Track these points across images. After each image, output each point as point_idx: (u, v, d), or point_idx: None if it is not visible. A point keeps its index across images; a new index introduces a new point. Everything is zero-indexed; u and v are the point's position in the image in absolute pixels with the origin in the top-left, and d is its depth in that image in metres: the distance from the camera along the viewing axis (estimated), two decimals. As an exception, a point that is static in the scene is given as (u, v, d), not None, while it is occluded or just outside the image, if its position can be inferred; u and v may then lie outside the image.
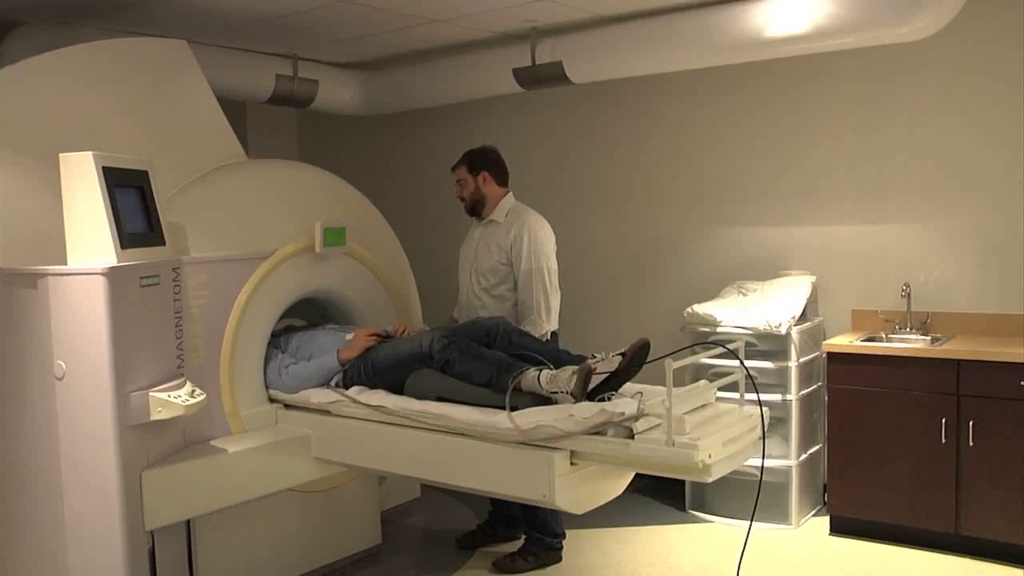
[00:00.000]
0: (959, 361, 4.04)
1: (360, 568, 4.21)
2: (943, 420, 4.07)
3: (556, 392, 3.19)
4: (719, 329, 4.60)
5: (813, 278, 4.83)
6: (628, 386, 3.35)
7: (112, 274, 3.12)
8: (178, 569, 3.50)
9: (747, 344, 4.54)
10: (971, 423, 4.00)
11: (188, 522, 3.53)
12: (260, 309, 3.85)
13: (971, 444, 4.00)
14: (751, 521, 3.32)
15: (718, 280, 5.10)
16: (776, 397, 4.51)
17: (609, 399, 3.17)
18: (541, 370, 3.29)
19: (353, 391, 3.72)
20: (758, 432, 3.18)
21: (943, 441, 4.07)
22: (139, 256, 3.27)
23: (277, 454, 3.70)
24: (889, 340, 4.52)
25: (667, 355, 2.93)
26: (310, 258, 4.04)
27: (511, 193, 4.31)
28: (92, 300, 3.11)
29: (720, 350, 3.24)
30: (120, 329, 3.14)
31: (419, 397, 3.52)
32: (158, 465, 3.31)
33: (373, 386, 3.72)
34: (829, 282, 4.89)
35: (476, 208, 4.29)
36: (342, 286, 4.27)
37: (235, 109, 5.15)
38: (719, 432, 2.97)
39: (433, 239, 5.97)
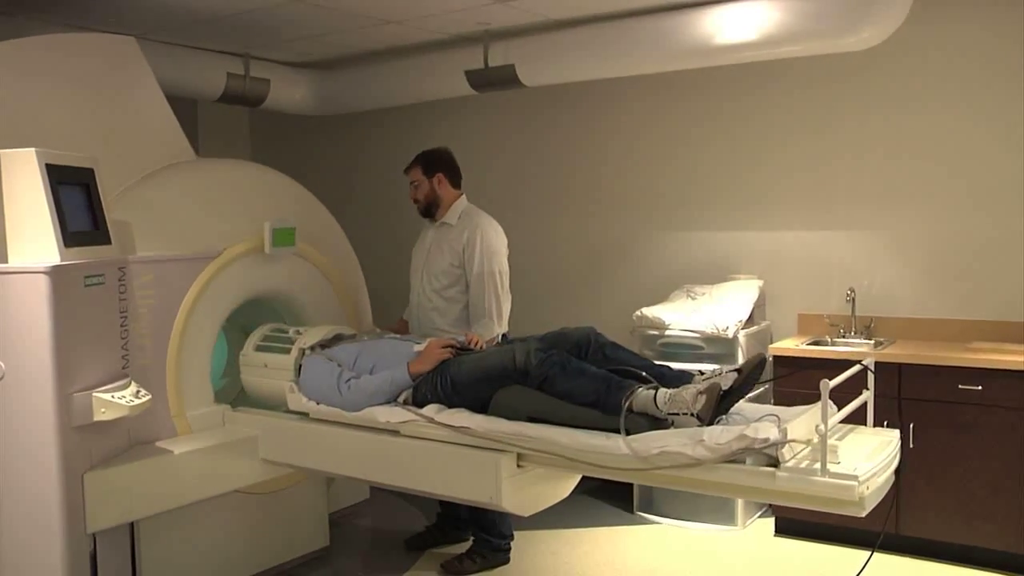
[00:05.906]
0: (900, 365, 4.13)
1: (308, 570, 4.19)
2: (884, 423, 4.14)
3: (676, 414, 2.84)
4: (667, 332, 4.65)
5: (760, 282, 4.90)
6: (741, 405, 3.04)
7: (55, 273, 3.07)
8: (121, 573, 3.45)
9: (694, 347, 4.60)
10: (911, 425, 4.09)
11: (132, 524, 3.48)
12: (207, 310, 3.81)
13: (911, 446, 4.09)
14: (872, 552, 3.18)
15: (668, 283, 5.15)
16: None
17: (720, 421, 2.85)
18: (656, 389, 2.92)
19: (429, 410, 3.29)
20: (898, 459, 2.89)
21: (884, 443, 4.15)
22: (84, 255, 3.23)
23: (224, 455, 3.66)
24: (834, 344, 4.60)
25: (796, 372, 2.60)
26: (259, 258, 4.00)
27: (464, 195, 4.32)
28: (34, 299, 3.06)
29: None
30: (63, 329, 3.09)
31: (509, 417, 3.12)
32: (101, 466, 3.26)
33: (451, 404, 3.30)
34: (776, 286, 4.97)
35: (430, 210, 4.28)
36: (291, 287, 4.23)
37: (186, 107, 5.11)
38: (871, 460, 2.68)
39: (385, 240, 5.95)
